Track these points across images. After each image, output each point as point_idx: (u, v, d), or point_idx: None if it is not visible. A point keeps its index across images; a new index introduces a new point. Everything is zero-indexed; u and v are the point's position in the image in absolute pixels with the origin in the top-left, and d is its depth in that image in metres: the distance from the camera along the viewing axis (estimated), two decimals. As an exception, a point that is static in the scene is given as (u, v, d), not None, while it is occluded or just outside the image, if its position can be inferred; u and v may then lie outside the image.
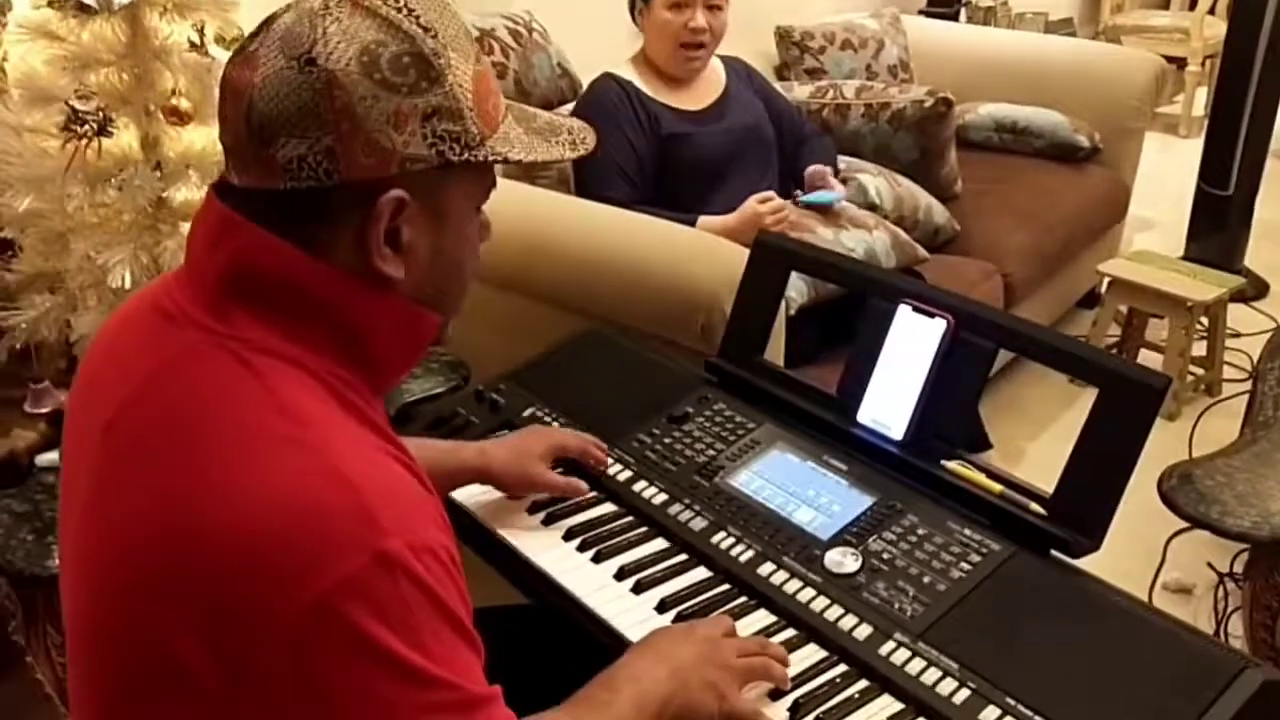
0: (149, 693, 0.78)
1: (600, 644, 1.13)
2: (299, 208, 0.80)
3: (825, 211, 2.29)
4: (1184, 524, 1.89)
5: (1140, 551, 2.32)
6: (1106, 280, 3.03)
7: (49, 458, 1.57)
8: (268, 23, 0.82)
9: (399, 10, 0.81)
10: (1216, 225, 3.45)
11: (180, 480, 0.77)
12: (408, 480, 0.82)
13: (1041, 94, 3.28)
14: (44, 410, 1.60)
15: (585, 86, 2.41)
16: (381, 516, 0.75)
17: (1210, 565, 2.26)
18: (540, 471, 1.29)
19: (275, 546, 0.73)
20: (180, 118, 1.43)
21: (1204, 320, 2.99)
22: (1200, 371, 3.03)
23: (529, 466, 1.29)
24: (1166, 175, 4.30)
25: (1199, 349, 3.03)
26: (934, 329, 1.31)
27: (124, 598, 0.78)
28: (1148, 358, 3.10)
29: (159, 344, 0.83)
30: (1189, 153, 3.77)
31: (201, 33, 1.46)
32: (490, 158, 0.85)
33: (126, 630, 0.78)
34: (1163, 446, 2.41)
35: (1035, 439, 2.68)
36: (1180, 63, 5.31)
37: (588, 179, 2.22)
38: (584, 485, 1.30)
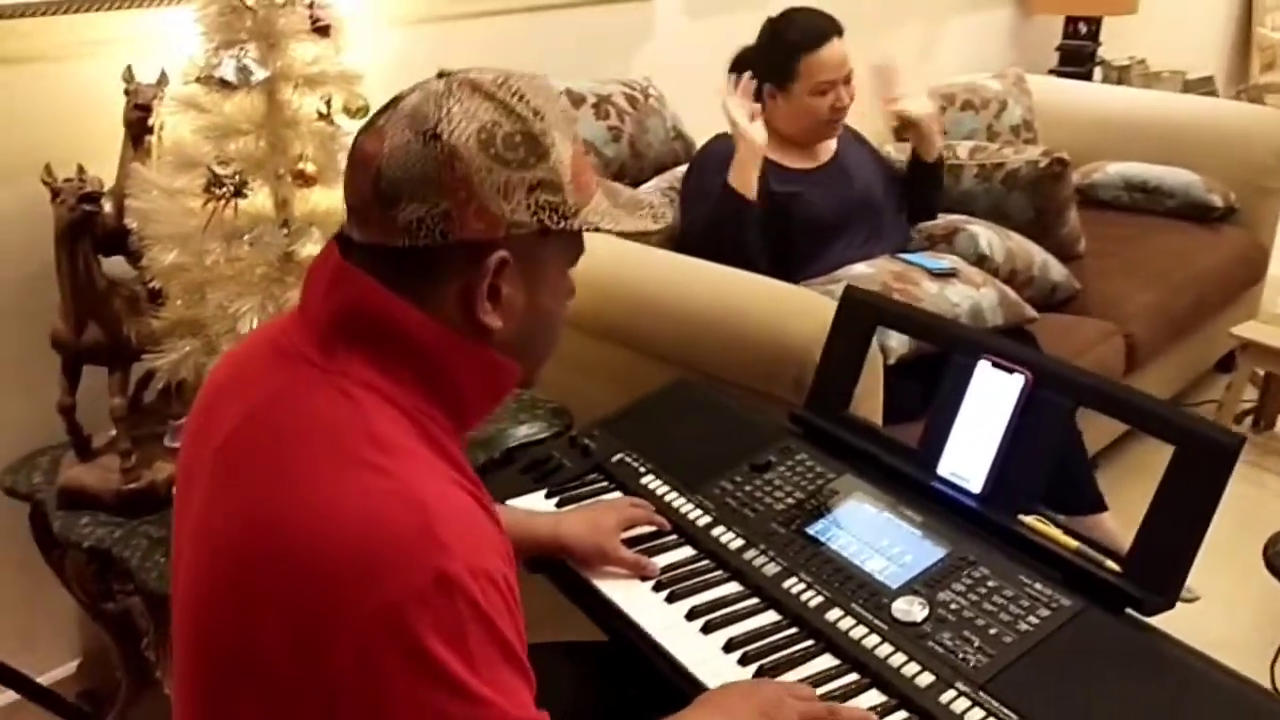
0: (234, 682, 0.87)
1: (669, 683, 1.17)
2: (412, 263, 0.90)
3: (934, 274, 2.29)
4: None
5: (1265, 625, 2.22)
6: (1241, 344, 2.92)
7: (184, 489, 1.70)
8: (395, 101, 0.93)
9: (512, 95, 0.91)
10: (1367, 288, 3.28)
11: (276, 493, 0.87)
12: (476, 511, 0.90)
13: (1174, 153, 3.20)
14: (182, 445, 1.74)
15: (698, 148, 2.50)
16: (446, 539, 0.83)
17: (1341, 642, 2.14)
18: (614, 546, 1.33)
19: (350, 556, 0.82)
20: (307, 181, 1.56)
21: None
22: (1344, 439, 2.88)
23: (604, 541, 1.33)
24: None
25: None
26: (1012, 385, 1.32)
27: (221, 593, 0.89)
28: (1287, 424, 2.97)
29: (272, 375, 0.94)
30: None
31: (329, 104, 1.59)
32: (584, 227, 0.95)
33: (220, 623, 0.88)
34: (1297, 516, 2.32)
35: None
36: (1337, 121, 5.08)
37: (691, 208, 2.30)
38: (656, 566, 1.32)
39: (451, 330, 0.92)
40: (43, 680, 1.93)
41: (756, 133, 2.21)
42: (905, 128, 2.56)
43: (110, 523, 1.67)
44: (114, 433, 1.72)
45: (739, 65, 2.40)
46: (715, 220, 2.22)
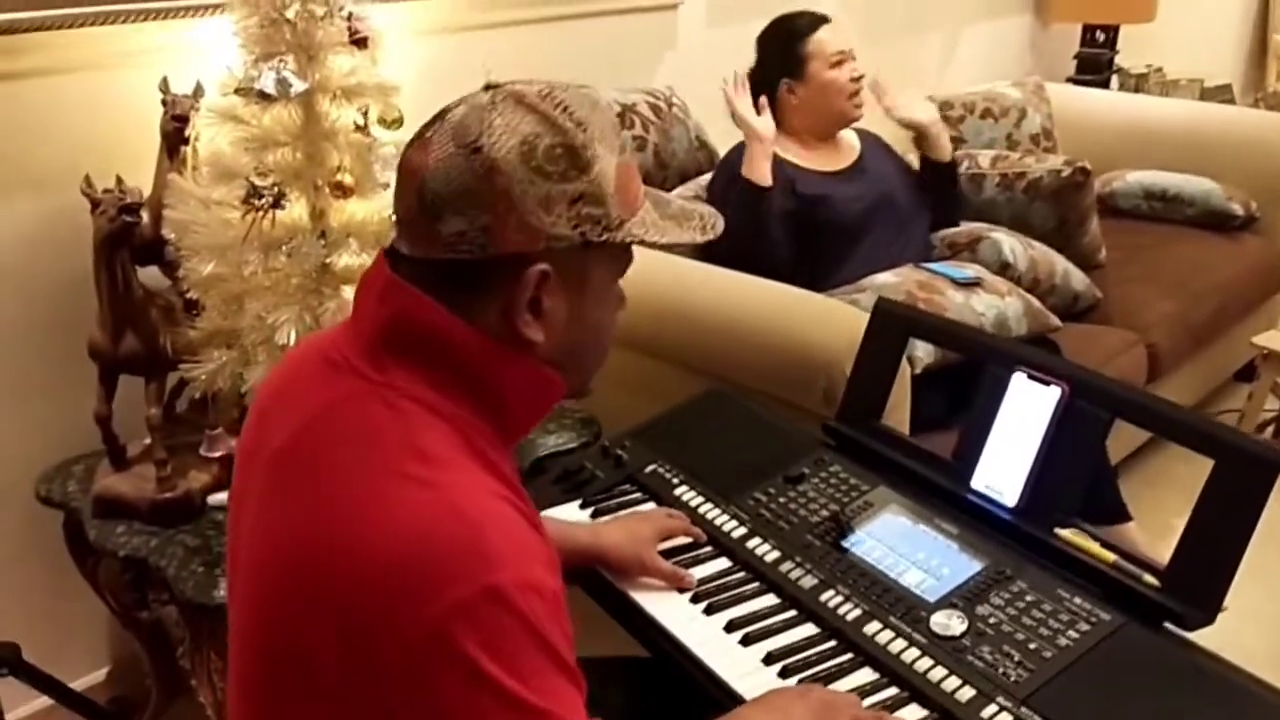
0: (290, 690, 0.89)
1: (710, 698, 1.18)
2: (456, 276, 0.91)
3: (958, 283, 2.29)
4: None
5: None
6: (1263, 354, 2.91)
7: (220, 498, 1.72)
8: (442, 114, 0.94)
9: (556, 107, 0.91)
10: (1388, 296, 3.27)
11: (327, 505, 0.88)
12: (521, 523, 0.90)
13: (1193, 162, 3.19)
14: (217, 454, 1.76)
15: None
16: (492, 552, 0.84)
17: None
18: (652, 556, 1.33)
19: (397, 569, 0.83)
20: (344, 192, 1.57)
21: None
22: (1367, 450, 2.87)
23: (642, 550, 1.33)
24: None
25: (1366, 426, 2.88)
26: (1048, 397, 1.33)
27: (275, 600, 0.90)
28: (1309, 434, 2.97)
29: (324, 387, 0.95)
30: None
31: (366, 116, 1.60)
32: (627, 239, 0.95)
33: (276, 629, 0.90)
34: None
35: (1183, 515, 2.59)
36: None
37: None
38: (693, 578, 1.32)
39: (496, 343, 0.93)
40: (73, 686, 1.94)
41: (763, 124, 2.27)
42: (913, 133, 2.58)
43: (145, 531, 1.68)
44: (149, 442, 1.73)
45: (756, 84, 2.43)
46: (735, 214, 2.21)
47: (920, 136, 2.56)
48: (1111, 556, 1.24)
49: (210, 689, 1.63)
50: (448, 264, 0.91)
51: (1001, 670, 1.14)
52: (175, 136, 1.71)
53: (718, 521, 1.42)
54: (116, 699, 2.04)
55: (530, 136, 0.90)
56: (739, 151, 2.39)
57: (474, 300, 0.92)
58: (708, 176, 2.53)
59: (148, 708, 1.96)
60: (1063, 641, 1.16)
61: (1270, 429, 3.06)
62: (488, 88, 0.94)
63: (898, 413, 1.84)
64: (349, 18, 1.57)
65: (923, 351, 2.08)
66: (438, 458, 0.88)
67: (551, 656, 0.85)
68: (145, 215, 1.68)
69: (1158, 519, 2.29)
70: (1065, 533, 1.29)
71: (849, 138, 2.52)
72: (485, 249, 0.89)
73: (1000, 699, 1.11)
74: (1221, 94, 4.71)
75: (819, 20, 2.42)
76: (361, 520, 0.85)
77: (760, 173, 2.24)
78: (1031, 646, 1.16)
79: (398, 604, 0.82)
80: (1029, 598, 1.22)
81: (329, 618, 0.85)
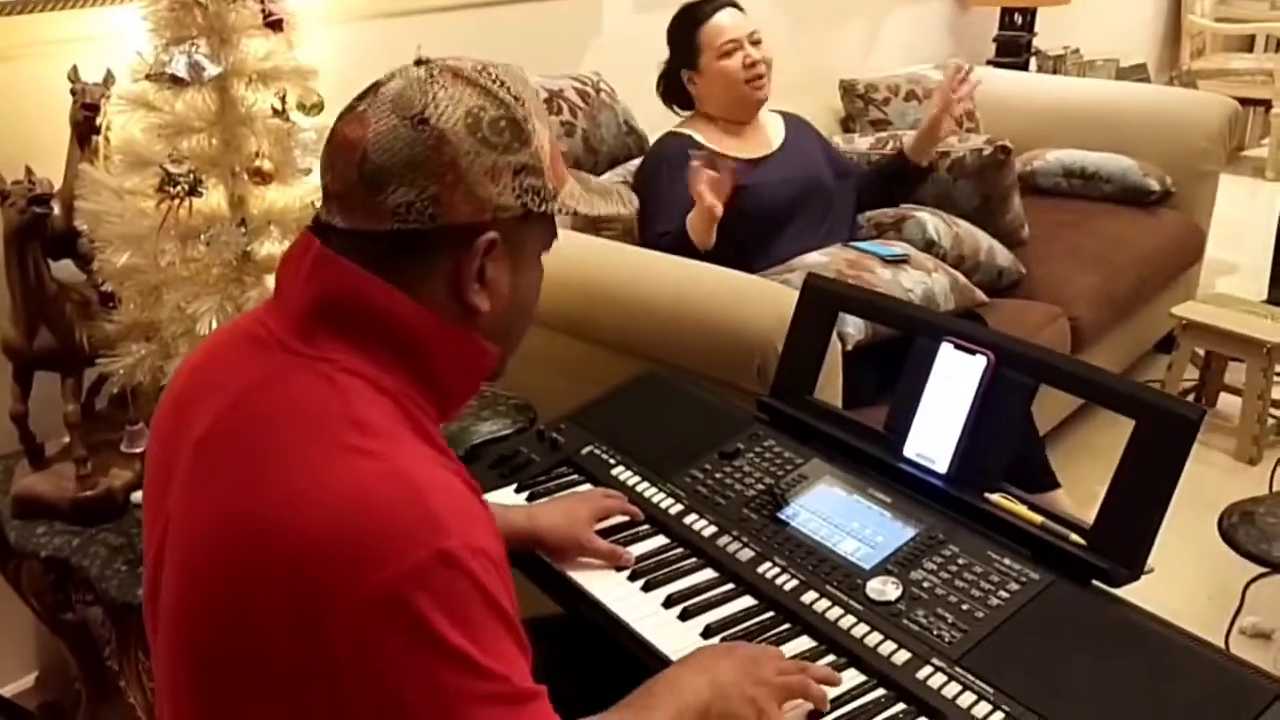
0: (233, 673, 0.86)
1: (624, 651, 1.18)
2: (398, 247, 0.91)
3: (886, 260, 2.32)
4: (1263, 569, 1.86)
5: (1218, 596, 2.28)
6: (1181, 324, 3.00)
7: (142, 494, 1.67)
8: (374, 88, 0.94)
9: (493, 81, 0.93)
10: (1298, 268, 3.39)
11: (264, 480, 0.87)
12: (464, 490, 0.90)
13: (1111, 140, 3.28)
14: (138, 450, 1.71)
15: (651, 144, 2.51)
16: (442, 517, 0.84)
17: (1288, 609, 2.21)
18: (589, 537, 1.33)
19: (347, 538, 0.82)
20: (263, 178, 1.54)
21: (1285, 363, 2.94)
22: (1282, 415, 2.97)
23: (578, 531, 1.33)
24: (1252, 218, 4.24)
25: (1280, 393, 2.97)
26: (975, 366, 1.35)
27: (215, 584, 0.88)
28: (1227, 401, 3.06)
29: (251, 364, 0.93)
30: (1276, 196, 3.71)
31: (284, 100, 1.57)
32: (563, 209, 0.97)
33: (216, 615, 0.87)
34: (1242, 490, 2.38)
35: (1107, 482, 2.66)
36: (1267, 106, 5.23)
37: (654, 216, 2.30)
38: (631, 556, 1.32)
39: (435, 313, 0.93)
40: (2, 694, 1.89)
41: (711, 201, 2.15)
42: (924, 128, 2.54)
43: (67, 531, 1.63)
44: (67, 440, 1.68)
45: (665, 87, 2.48)
46: (670, 244, 2.22)
47: (928, 133, 2.52)
48: (1039, 518, 1.26)
49: (140, 689, 1.59)
50: (390, 235, 0.90)
51: (936, 632, 1.15)
52: (86, 125, 1.66)
53: (655, 499, 1.42)
54: (47, 704, 1.99)
55: (475, 109, 0.91)
56: (667, 144, 2.39)
57: (416, 271, 0.92)
58: (636, 163, 2.53)
59: (79, 711, 1.91)
60: (994, 602, 1.18)
61: (1190, 397, 3.15)
62: (419, 62, 0.94)
63: (830, 388, 1.85)
64: (262, 1, 1.53)
65: (853, 328, 2.11)
66: (377, 428, 0.88)
67: (502, 619, 0.85)
68: (57, 207, 1.62)
69: (1084, 487, 2.35)
70: (995, 497, 1.31)
71: (771, 121, 2.53)
72: (435, 219, 0.90)
73: (935, 660, 1.12)
74: (1136, 73, 4.83)
75: (715, 8, 2.41)
76: (305, 490, 0.84)
77: (703, 240, 2.18)
78: (964, 608, 1.17)
79: (348, 570, 0.81)
80: (961, 561, 1.23)
81: (276, 595, 0.83)
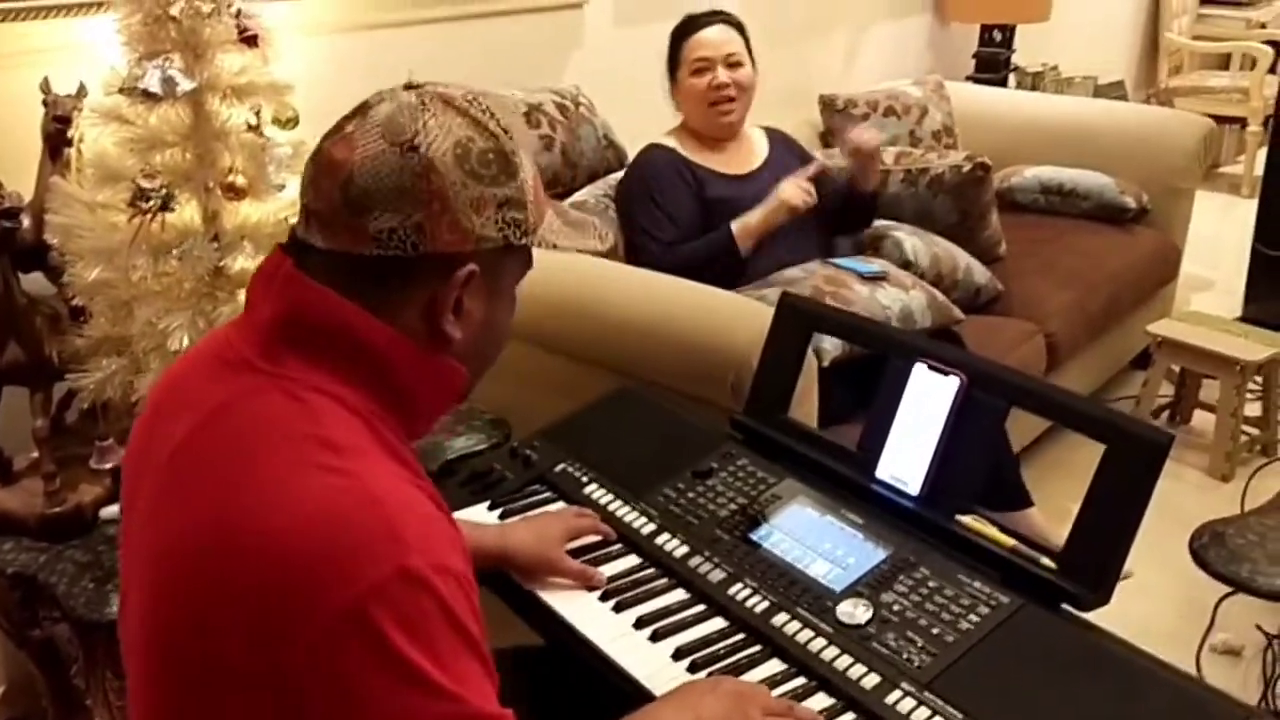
0: (197, 684, 0.86)
1: (607, 685, 1.17)
2: (377, 271, 0.91)
3: (864, 277, 2.33)
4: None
5: (1189, 613, 2.29)
6: (1156, 341, 3.02)
7: (111, 511, 1.66)
8: (363, 109, 0.93)
9: (483, 113, 0.94)
10: (1273, 285, 3.42)
11: (230, 498, 0.86)
12: (431, 509, 0.90)
13: (1088, 157, 3.30)
14: (108, 466, 1.70)
15: (631, 157, 2.51)
16: (407, 535, 0.83)
17: (1259, 627, 2.22)
18: (559, 557, 1.32)
19: (311, 556, 0.81)
20: (237, 193, 1.53)
21: (1259, 381, 2.96)
22: (1255, 432, 2.99)
23: (548, 551, 1.32)
24: (1228, 236, 4.27)
25: (1255, 409, 2.99)
26: (947, 387, 1.35)
27: (180, 598, 0.87)
28: (1202, 418, 3.08)
29: (220, 384, 0.93)
30: (1251, 213, 3.74)
31: (258, 115, 1.56)
32: (541, 244, 0.98)
33: (180, 629, 0.87)
34: (1215, 508, 2.39)
35: (1080, 500, 2.67)
36: (1242, 123, 5.28)
37: (655, 226, 2.32)
38: (602, 576, 1.31)
39: (408, 338, 0.93)
40: (-36, 713, 1.86)
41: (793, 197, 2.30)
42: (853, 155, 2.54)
43: (34, 548, 1.61)
44: (36, 455, 1.66)
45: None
46: (709, 257, 2.28)
47: (857, 161, 2.51)
48: (1010, 541, 1.27)
49: (106, 708, 1.57)
50: (369, 259, 0.90)
51: (905, 656, 1.15)
52: (57, 138, 1.64)
53: (627, 519, 1.41)
54: (12, 721, 1.97)
55: (464, 139, 0.91)
56: (654, 155, 2.39)
57: (391, 296, 0.92)
58: (617, 176, 2.53)
59: (45, 729, 1.89)
60: (964, 625, 1.18)
61: (1165, 414, 3.17)
62: (409, 87, 0.94)
63: (805, 405, 1.86)
64: (237, 15, 1.53)
65: (830, 344, 2.11)
66: (345, 445, 0.88)
67: (466, 640, 0.85)
68: (26, 220, 1.61)
69: (1057, 504, 2.36)
70: (966, 519, 1.31)
71: (756, 138, 2.54)
72: (416, 247, 0.90)
73: (904, 684, 1.12)
74: (1114, 90, 4.86)
75: (700, 24, 2.42)
76: (271, 505, 0.84)
77: (749, 234, 2.29)
78: (934, 632, 1.17)
79: (310, 586, 0.81)
80: (931, 584, 1.23)
81: (240, 612, 0.82)
